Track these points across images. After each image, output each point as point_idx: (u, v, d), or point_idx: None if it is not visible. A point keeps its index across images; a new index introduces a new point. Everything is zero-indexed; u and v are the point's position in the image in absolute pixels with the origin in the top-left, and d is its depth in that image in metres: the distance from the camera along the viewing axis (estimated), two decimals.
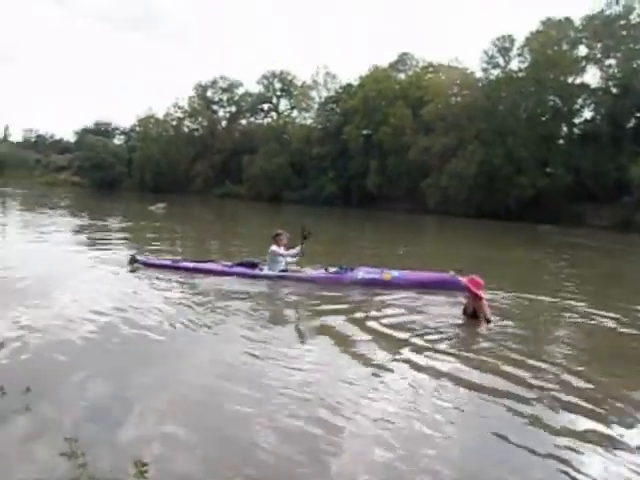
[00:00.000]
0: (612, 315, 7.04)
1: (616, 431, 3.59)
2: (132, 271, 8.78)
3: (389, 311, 6.59)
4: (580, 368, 4.79)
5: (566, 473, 3.01)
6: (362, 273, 8.32)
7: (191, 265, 8.87)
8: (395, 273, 8.30)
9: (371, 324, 5.94)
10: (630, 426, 3.75)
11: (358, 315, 6.33)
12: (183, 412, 3.65)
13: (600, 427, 3.64)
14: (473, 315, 6.25)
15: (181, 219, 25.99)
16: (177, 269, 8.79)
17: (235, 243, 15.03)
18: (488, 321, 6.11)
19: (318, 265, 8.86)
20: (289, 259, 8.71)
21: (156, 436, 3.25)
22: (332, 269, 8.51)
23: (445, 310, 6.82)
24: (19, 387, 3.54)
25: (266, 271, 8.54)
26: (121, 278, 8.30)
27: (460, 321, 6.27)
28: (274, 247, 8.60)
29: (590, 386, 4.36)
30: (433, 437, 3.37)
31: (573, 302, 7.88)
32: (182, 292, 7.43)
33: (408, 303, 7.13)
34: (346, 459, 3.09)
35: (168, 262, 9.11)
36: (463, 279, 6.32)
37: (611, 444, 3.37)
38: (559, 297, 8.24)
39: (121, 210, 30.23)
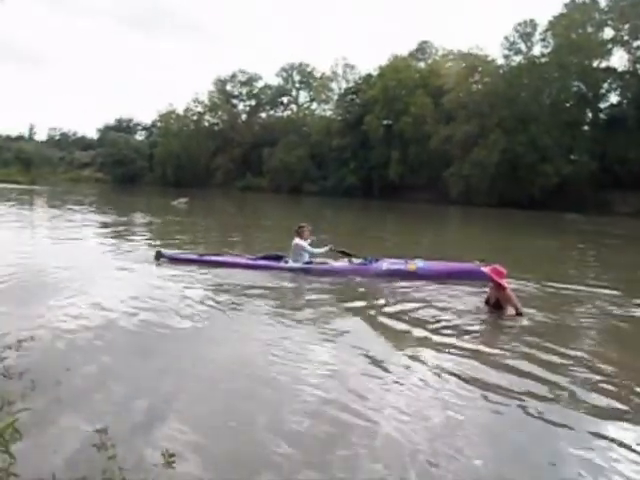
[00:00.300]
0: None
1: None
2: (158, 265, 8.84)
3: (410, 304, 6.47)
4: (608, 365, 4.69)
5: (587, 474, 2.96)
6: (387, 264, 8.27)
7: (216, 259, 8.89)
8: (420, 264, 8.23)
9: (391, 317, 5.86)
10: None
11: (379, 308, 6.26)
12: (213, 405, 3.68)
13: (626, 426, 3.57)
14: (496, 305, 6.04)
15: (204, 213, 26.18)
16: (202, 263, 8.78)
17: (257, 235, 15.10)
18: (519, 313, 5.85)
19: (342, 256, 8.83)
20: (313, 255, 8.67)
21: (185, 428, 3.28)
22: (356, 261, 8.49)
23: (468, 301, 6.72)
24: (49, 380, 3.60)
25: (291, 264, 8.54)
26: (144, 273, 8.37)
27: (483, 312, 6.09)
28: (298, 240, 8.59)
29: (617, 383, 4.28)
30: (449, 434, 3.34)
31: (600, 290, 7.74)
32: (205, 286, 7.46)
33: (430, 295, 7.01)
34: (361, 456, 3.08)
35: (194, 256, 9.11)
36: (485, 268, 6.14)
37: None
38: (585, 285, 8.10)
39: (144, 205, 30.56)
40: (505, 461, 3.05)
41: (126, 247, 11.34)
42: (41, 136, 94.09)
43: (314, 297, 7.06)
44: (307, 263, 8.53)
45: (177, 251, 9.75)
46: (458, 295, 7.05)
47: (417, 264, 8.20)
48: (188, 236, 14.30)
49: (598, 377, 4.28)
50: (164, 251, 9.34)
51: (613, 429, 3.45)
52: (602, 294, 7.59)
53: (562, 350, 4.82)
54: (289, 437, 3.18)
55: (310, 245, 8.74)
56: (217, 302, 6.53)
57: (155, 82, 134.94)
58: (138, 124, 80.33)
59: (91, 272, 8.24)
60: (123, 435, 2.94)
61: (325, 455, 3.04)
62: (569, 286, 7.92)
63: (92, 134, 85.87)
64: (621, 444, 3.23)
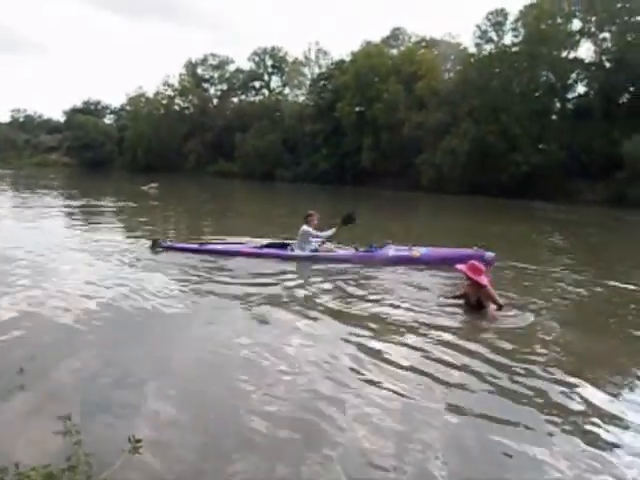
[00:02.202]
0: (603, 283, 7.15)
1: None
2: (155, 254, 8.61)
3: (392, 296, 6.39)
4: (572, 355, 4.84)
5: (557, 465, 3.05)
6: (392, 251, 8.40)
7: (218, 248, 8.74)
8: (423, 250, 8.42)
9: (378, 309, 5.83)
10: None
11: (372, 299, 6.21)
12: (178, 391, 3.66)
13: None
14: (478, 305, 5.71)
15: (175, 199, 25.82)
16: (203, 252, 8.58)
17: (231, 222, 14.99)
18: (499, 307, 5.64)
19: (346, 245, 8.81)
20: (320, 239, 8.65)
21: (150, 414, 3.26)
22: (361, 248, 8.56)
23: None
24: (13, 367, 3.53)
25: (297, 251, 8.50)
26: (115, 260, 8.26)
27: (462, 312, 5.80)
28: (306, 227, 8.54)
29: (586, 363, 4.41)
30: (425, 426, 3.40)
31: (565, 272, 8.00)
32: (191, 274, 7.37)
33: (422, 284, 6.99)
34: (342, 444, 3.12)
35: (194, 246, 8.90)
36: (461, 266, 5.82)
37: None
38: (551, 267, 8.35)
39: (112, 190, 30.02)
40: (468, 459, 3.12)
41: (94, 234, 11.15)
42: (3, 118, 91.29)
43: (310, 286, 6.94)
44: (313, 251, 8.53)
45: (175, 240, 9.41)
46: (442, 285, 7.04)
47: (420, 250, 8.38)
48: (159, 222, 14.13)
49: (561, 368, 4.41)
50: (161, 240, 9.05)
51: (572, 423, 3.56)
52: (567, 276, 7.85)
53: (531, 347, 4.91)
54: (258, 427, 3.19)
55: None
56: (200, 288, 6.50)
57: (124, 65, 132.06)
58: (106, 107, 78.53)
59: (56, 259, 8.08)
60: (89, 421, 2.92)
61: (296, 445, 3.07)
62: (537, 267, 8.19)
63: (58, 117, 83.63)
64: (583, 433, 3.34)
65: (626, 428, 3.34)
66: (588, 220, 21.83)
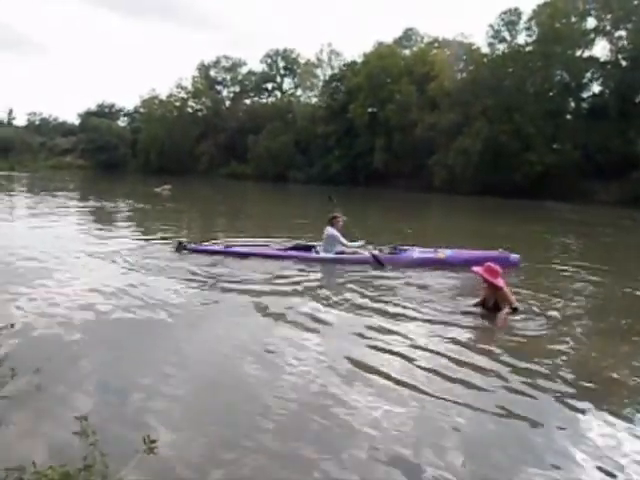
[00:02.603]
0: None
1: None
2: (180, 257, 8.55)
3: (416, 296, 6.37)
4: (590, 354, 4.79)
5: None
6: (417, 253, 8.42)
7: (243, 250, 8.76)
8: (448, 252, 8.44)
9: (393, 311, 5.77)
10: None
11: (387, 301, 6.15)
12: (193, 392, 3.69)
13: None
14: (495, 308, 5.54)
15: (188, 200, 25.98)
16: (228, 254, 8.59)
17: (244, 224, 15.05)
18: (514, 310, 5.49)
19: (370, 247, 8.74)
20: (344, 245, 8.62)
21: (165, 414, 3.29)
22: (386, 250, 8.54)
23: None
24: (29, 368, 3.57)
25: (323, 254, 8.49)
26: (126, 261, 8.32)
27: (477, 315, 5.65)
28: (332, 230, 8.52)
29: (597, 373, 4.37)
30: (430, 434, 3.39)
31: (582, 274, 7.96)
32: (208, 276, 7.39)
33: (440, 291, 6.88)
34: (349, 442, 3.12)
35: (219, 248, 8.91)
36: (477, 269, 5.67)
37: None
38: (565, 269, 8.31)
39: (126, 192, 30.24)
40: (481, 456, 3.10)
41: (109, 236, 11.26)
42: (20, 121, 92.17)
43: (330, 287, 6.92)
44: (339, 253, 8.52)
45: (200, 243, 9.33)
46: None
47: (446, 252, 8.40)
48: (173, 223, 14.22)
49: (578, 368, 4.37)
50: (186, 243, 8.99)
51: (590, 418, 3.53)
52: (581, 276, 7.81)
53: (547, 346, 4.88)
54: (271, 424, 3.21)
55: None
56: (215, 290, 6.54)
57: (137, 67, 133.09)
58: (120, 110, 79.10)
59: (71, 260, 8.17)
60: (104, 422, 2.94)
61: (303, 442, 3.07)
62: (550, 267, 8.16)
63: (73, 119, 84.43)
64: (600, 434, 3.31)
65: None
66: (602, 221, 21.58)
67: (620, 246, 13.83)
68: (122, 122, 77.71)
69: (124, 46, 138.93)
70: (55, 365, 3.93)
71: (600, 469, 2.85)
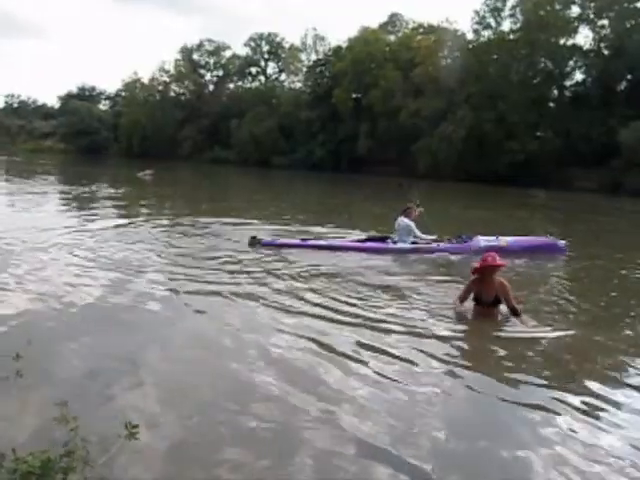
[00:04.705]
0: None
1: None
2: (253, 251, 8.34)
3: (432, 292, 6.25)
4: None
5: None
6: (483, 242, 8.70)
7: (320, 243, 8.81)
8: (509, 239, 8.84)
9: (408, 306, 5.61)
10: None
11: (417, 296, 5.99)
12: (176, 378, 3.68)
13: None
14: (495, 302, 5.09)
15: (171, 185, 25.73)
16: (305, 247, 8.57)
17: (228, 210, 14.97)
18: (517, 314, 5.01)
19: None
20: (423, 236, 8.88)
21: (147, 400, 3.28)
22: (455, 240, 8.85)
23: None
24: (10, 353, 3.54)
25: (400, 244, 8.66)
26: (119, 245, 8.25)
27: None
28: (407, 220, 8.73)
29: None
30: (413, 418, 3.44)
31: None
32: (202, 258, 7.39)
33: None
34: (339, 435, 3.15)
35: (296, 241, 8.87)
36: (500, 260, 5.16)
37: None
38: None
39: (108, 177, 29.85)
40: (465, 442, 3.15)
41: (91, 219, 11.13)
42: None
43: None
44: (413, 243, 8.73)
45: (276, 237, 9.17)
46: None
47: (507, 240, 8.79)
48: (155, 209, 14.10)
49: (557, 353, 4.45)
50: (261, 237, 8.80)
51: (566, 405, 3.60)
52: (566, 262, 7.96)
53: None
54: (253, 414, 3.22)
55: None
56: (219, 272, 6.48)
57: (119, 50, 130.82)
58: (101, 93, 77.85)
59: (55, 245, 8.07)
60: (85, 408, 2.93)
61: (287, 433, 3.09)
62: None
63: (53, 102, 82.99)
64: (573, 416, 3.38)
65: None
66: (583, 207, 21.86)
67: (602, 231, 14.01)
68: (103, 106, 76.64)
69: (106, 28, 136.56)
70: (36, 351, 3.89)
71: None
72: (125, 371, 3.68)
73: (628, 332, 5.01)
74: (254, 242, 8.61)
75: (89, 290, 5.60)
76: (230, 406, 3.27)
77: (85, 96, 74.01)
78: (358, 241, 8.87)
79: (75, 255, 7.34)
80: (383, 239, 8.84)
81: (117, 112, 67.60)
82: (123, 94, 68.38)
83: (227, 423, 3.07)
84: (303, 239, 8.97)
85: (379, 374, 3.80)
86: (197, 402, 3.34)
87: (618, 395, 3.65)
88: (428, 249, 8.56)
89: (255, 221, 11.54)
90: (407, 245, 8.60)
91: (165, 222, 11.02)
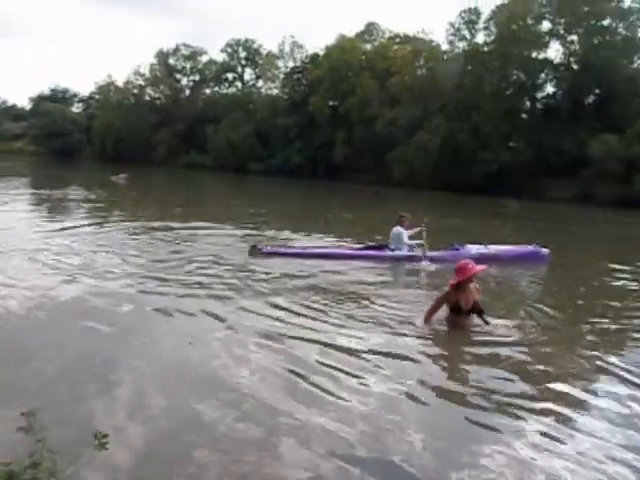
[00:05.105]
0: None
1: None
2: (252, 259, 8.26)
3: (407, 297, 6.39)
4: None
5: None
6: (474, 250, 8.91)
7: (319, 251, 8.83)
8: (497, 248, 9.11)
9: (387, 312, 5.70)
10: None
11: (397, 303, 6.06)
12: (146, 388, 3.62)
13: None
14: (468, 312, 5.07)
15: (145, 190, 25.44)
16: (305, 256, 8.54)
17: (203, 215, 14.86)
18: (484, 320, 5.08)
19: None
20: (410, 242, 9.00)
21: (117, 410, 3.23)
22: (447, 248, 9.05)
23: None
24: None
25: (397, 252, 8.81)
26: (84, 251, 8.11)
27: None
28: (400, 229, 8.88)
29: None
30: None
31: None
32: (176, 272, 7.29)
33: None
34: (309, 438, 3.14)
35: (296, 250, 8.86)
36: (480, 267, 5.18)
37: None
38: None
39: (81, 180, 29.37)
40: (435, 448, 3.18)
41: (65, 224, 10.93)
42: None
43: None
44: (409, 251, 8.91)
45: (275, 245, 9.10)
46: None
47: (497, 249, 9.06)
48: (129, 214, 13.92)
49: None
50: (261, 246, 8.72)
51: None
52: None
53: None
54: (226, 424, 3.18)
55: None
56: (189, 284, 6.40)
57: (93, 52, 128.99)
58: (74, 95, 76.59)
59: (24, 250, 7.89)
60: (54, 418, 2.86)
61: (260, 443, 3.07)
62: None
63: (24, 104, 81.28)
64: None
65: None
66: (555, 217, 22.30)
67: (574, 241, 14.31)
68: (77, 108, 75.43)
69: (80, 30, 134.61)
70: (2, 359, 3.80)
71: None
72: (95, 380, 3.61)
73: (593, 338, 5.14)
74: (254, 251, 8.52)
75: (60, 297, 5.49)
76: (201, 416, 3.23)
77: (57, 98, 72.76)
78: (357, 249, 9.00)
79: (41, 260, 7.19)
80: (381, 247, 8.99)
81: (90, 115, 66.61)
82: (97, 97, 67.43)
83: (200, 434, 3.03)
84: (304, 247, 9.04)
85: (349, 387, 3.79)
86: (168, 411, 3.30)
87: (582, 402, 3.72)
88: (423, 257, 8.70)
89: (229, 227, 11.50)
90: (403, 252, 8.76)
91: (138, 227, 10.89)
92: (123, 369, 3.84)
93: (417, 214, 9.29)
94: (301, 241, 10.08)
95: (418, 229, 9.03)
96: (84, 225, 10.81)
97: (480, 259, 8.39)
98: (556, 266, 9.21)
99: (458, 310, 5.05)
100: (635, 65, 36.83)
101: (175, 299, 5.64)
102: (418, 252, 8.78)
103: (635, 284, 8.03)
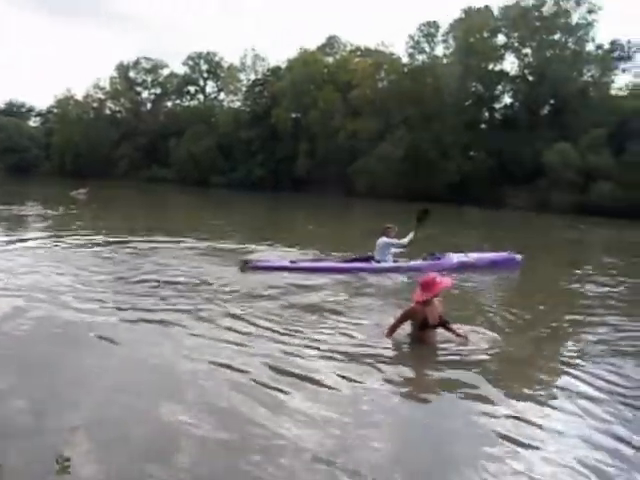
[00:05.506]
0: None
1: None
2: (243, 274, 8.06)
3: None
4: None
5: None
6: (455, 258, 9.08)
7: (309, 265, 8.76)
8: (476, 255, 9.33)
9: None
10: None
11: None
12: (111, 410, 3.54)
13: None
14: (438, 324, 4.89)
15: (105, 205, 24.93)
16: (295, 270, 8.42)
17: (167, 228, 14.66)
18: (451, 329, 4.93)
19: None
20: (397, 250, 9.05)
21: (79, 433, 3.14)
22: (430, 258, 9.12)
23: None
24: None
25: (382, 264, 8.77)
26: (41, 267, 7.87)
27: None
28: (385, 239, 8.86)
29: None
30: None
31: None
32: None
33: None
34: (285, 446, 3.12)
35: (286, 264, 8.69)
36: (447, 282, 5.01)
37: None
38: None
39: (38, 196, 28.56)
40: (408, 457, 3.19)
41: (16, 241, 10.58)
42: None
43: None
44: (393, 262, 8.96)
45: (265, 259, 8.89)
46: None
47: (475, 256, 9.26)
48: (88, 229, 13.59)
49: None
50: (250, 259, 8.56)
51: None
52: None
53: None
54: (192, 443, 3.13)
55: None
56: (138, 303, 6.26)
57: (51, 66, 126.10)
58: (31, 109, 74.95)
59: None
60: (12, 441, 2.77)
61: (228, 461, 3.03)
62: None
63: None
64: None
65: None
66: (516, 224, 22.87)
67: (534, 247, 14.64)
68: (34, 123, 73.81)
69: (36, 43, 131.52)
70: None
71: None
72: (58, 403, 3.51)
73: (551, 344, 5.26)
74: (245, 267, 8.39)
75: (14, 317, 5.29)
76: (161, 442, 3.17)
77: (13, 112, 71.04)
78: (344, 261, 9.05)
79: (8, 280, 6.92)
80: (367, 259, 9.02)
81: (49, 129, 65.28)
82: (55, 111, 66.08)
83: (166, 458, 2.97)
84: (292, 261, 8.94)
85: (317, 401, 3.79)
86: (133, 434, 3.23)
87: (544, 416, 3.80)
88: (407, 267, 8.78)
89: (191, 240, 11.35)
90: (388, 264, 8.82)
91: (97, 242, 10.59)
92: (83, 391, 3.74)
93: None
94: (273, 253, 10.00)
95: (410, 235, 9.06)
96: (37, 241, 10.47)
97: (462, 267, 8.83)
98: (525, 271, 9.48)
99: (424, 325, 4.85)
100: (584, 78, 38.38)
101: (132, 321, 5.43)
102: (402, 263, 8.87)
103: (593, 286, 8.31)
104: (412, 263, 8.93)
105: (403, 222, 9.98)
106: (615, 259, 13.00)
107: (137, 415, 3.44)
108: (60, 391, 3.69)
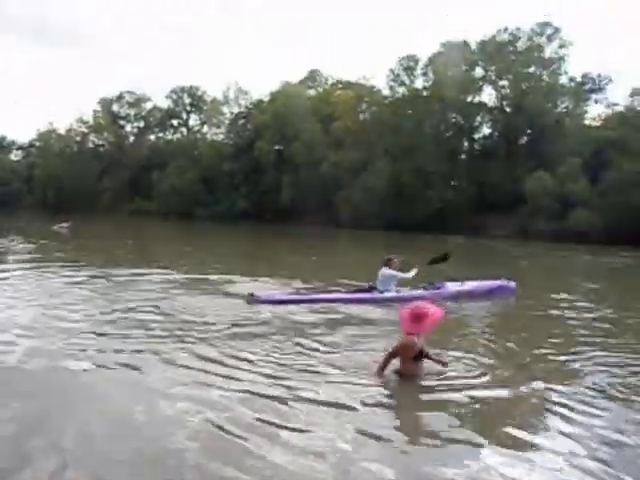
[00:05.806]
0: None
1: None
2: (249, 307, 7.98)
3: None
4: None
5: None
6: (453, 287, 9.17)
7: (314, 297, 8.71)
8: (473, 284, 9.36)
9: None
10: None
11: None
12: (99, 443, 3.49)
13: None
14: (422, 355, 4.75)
15: (88, 238, 24.71)
16: (300, 302, 8.35)
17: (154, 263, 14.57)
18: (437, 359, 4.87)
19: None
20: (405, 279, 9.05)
21: (58, 467, 3.09)
22: (429, 287, 9.20)
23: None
24: None
25: (385, 294, 8.80)
26: (27, 303, 7.77)
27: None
28: (388, 270, 8.86)
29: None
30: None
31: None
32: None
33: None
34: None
35: (292, 297, 8.67)
36: (439, 313, 4.92)
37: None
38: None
39: (20, 230, 28.23)
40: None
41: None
42: None
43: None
44: (397, 292, 8.96)
45: (272, 292, 8.84)
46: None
47: (472, 285, 9.33)
48: (69, 262, 13.45)
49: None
50: (257, 293, 8.41)
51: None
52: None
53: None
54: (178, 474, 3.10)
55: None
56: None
57: (33, 100, 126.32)
58: (12, 143, 74.67)
59: None
60: None
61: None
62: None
63: None
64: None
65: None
66: (498, 252, 23.10)
67: (519, 275, 14.78)
68: (15, 156, 73.50)
69: (18, 75, 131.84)
70: None
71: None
72: (38, 443, 3.46)
73: (544, 374, 5.18)
74: (251, 300, 8.29)
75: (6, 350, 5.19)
76: (156, 468, 3.14)
77: None
78: (348, 292, 9.11)
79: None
80: (370, 290, 9.06)
81: (31, 163, 65.02)
82: (37, 144, 65.97)
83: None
84: (298, 293, 8.98)
85: (287, 442, 3.76)
86: (121, 465, 3.18)
87: (532, 444, 3.81)
88: (409, 297, 8.60)
89: (174, 272, 11.28)
90: (391, 294, 8.85)
91: (79, 275, 10.49)
92: (62, 433, 3.67)
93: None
94: (273, 287, 9.86)
95: (415, 270, 9.11)
96: (16, 275, 10.34)
97: (459, 295, 8.96)
98: (518, 298, 9.60)
99: (416, 358, 4.72)
100: (559, 109, 39.57)
101: (117, 356, 5.31)
102: (405, 293, 8.88)
103: (574, 313, 8.39)
104: (414, 293, 8.95)
105: (393, 251, 10.04)
106: (597, 285, 13.24)
107: (113, 455, 3.39)
108: (45, 426, 3.63)
